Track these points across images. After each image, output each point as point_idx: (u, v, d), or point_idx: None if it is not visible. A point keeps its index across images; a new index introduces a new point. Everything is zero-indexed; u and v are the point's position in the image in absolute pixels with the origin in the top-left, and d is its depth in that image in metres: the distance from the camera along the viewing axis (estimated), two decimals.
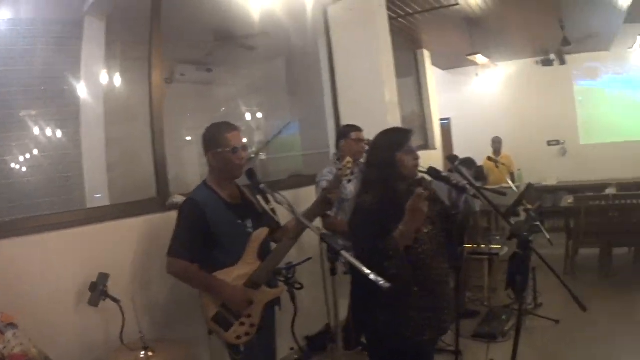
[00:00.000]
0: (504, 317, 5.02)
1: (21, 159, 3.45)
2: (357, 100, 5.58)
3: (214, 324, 2.69)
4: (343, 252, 2.03)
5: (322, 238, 2.16)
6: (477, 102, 10.79)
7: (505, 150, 9.27)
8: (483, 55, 8.44)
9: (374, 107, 5.43)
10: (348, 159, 2.63)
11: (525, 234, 2.41)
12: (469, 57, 8.36)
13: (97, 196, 3.69)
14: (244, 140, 2.89)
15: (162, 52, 3.69)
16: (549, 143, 10.37)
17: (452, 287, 4.29)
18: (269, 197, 2.77)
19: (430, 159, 5.38)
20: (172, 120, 5.14)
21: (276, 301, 2.90)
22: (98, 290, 2.64)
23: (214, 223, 2.71)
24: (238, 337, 2.69)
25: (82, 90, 3.71)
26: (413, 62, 8.77)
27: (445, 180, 2.43)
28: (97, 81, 3.72)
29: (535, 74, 10.30)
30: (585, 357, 4.30)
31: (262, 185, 2.71)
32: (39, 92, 3.50)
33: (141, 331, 2.54)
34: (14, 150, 3.41)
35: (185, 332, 3.07)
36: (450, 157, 3.33)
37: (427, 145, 8.68)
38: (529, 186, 5.22)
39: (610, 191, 7.13)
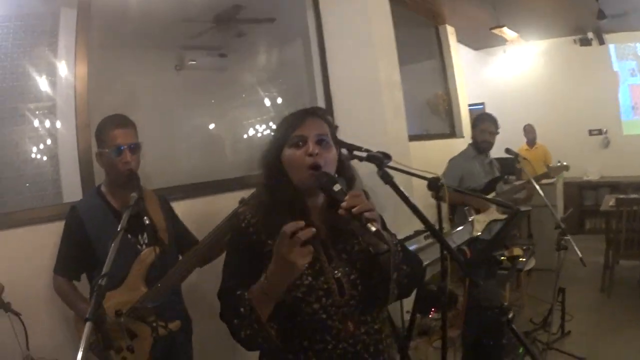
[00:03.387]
0: (521, 350, 4.17)
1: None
2: (349, 79, 5.11)
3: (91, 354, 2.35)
4: None
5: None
6: (509, 85, 10.26)
7: (542, 139, 8.69)
8: (510, 28, 7.96)
9: (367, 87, 4.98)
10: None
11: (485, 294, 1.62)
12: (493, 31, 7.89)
13: None
14: (136, 140, 2.56)
15: (88, 41, 3.59)
16: (591, 132, 9.67)
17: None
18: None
19: (458, 149, 5.00)
20: (182, 109, 5.18)
21: (179, 335, 2.54)
22: None
23: (94, 237, 2.41)
24: None
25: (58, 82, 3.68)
26: (435, 39, 8.22)
27: (337, 196, 1.55)
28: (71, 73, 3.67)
29: (572, 54, 9.65)
30: None
31: (133, 194, 2.21)
32: (12, 88, 3.51)
33: (28, 349, 2.45)
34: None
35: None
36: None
37: (453, 133, 8.10)
38: (518, 215, 3.63)
39: None
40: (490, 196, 4.56)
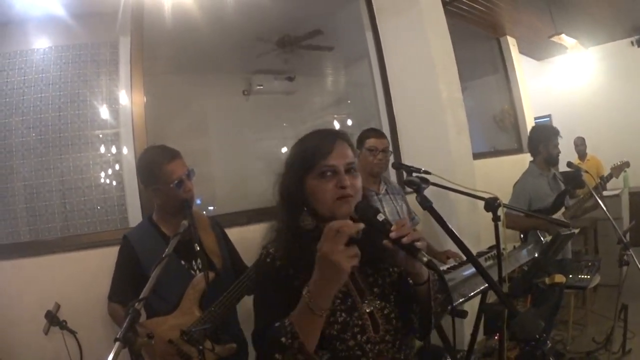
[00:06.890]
0: None
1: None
2: (410, 99, 4.81)
3: None
4: None
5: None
6: (571, 94, 9.58)
7: (605, 147, 8.07)
8: (568, 35, 7.40)
9: (429, 107, 4.63)
10: None
11: (539, 336, 1.27)
12: (552, 39, 7.36)
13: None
14: (187, 166, 2.49)
15: (145, 68, 3.57)
16: None
17: None
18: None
19: (527, 164, 4.64)
20: (251, 133, 5.10)
21: (235, 358, 2.42)
22: (49, 319, 2.53)
23: (146, 264, 2.28)
24: None
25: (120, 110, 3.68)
26: (498, 52, 7.78)
27: (383, 227, 1.37)
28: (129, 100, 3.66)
29: (631, 57, 8.91)
30: None
31: (184, 222, 2.19)
32: (74, 115, 3.53)
33: None
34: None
35: None
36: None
37: (520, 148, 7.52)
38: (559, 239, 3.06)
39: None
40: (560, 211, 4.23)
